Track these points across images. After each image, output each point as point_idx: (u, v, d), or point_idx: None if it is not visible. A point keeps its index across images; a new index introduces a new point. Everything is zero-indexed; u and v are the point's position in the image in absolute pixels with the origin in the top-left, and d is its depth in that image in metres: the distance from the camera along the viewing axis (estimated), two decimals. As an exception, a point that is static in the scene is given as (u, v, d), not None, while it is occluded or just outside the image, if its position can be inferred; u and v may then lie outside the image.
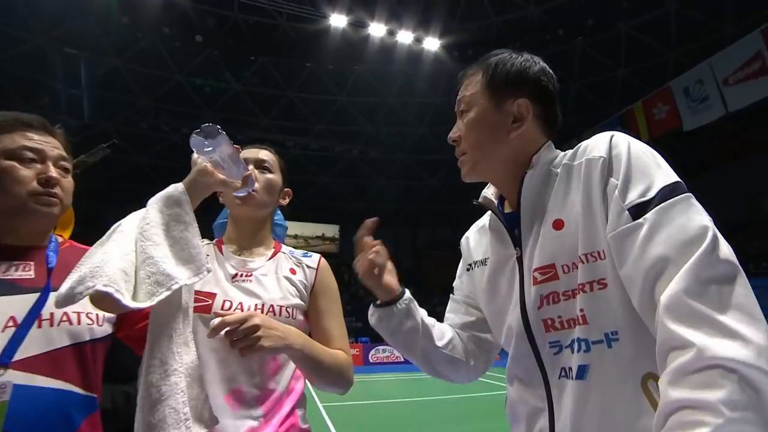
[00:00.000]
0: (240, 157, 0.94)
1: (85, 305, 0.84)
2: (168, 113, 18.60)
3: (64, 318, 0.85)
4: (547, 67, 0.81)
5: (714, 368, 0.45)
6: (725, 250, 0.53)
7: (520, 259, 0.75)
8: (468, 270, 0.91)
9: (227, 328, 0.78)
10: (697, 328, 0.48)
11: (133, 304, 0.72)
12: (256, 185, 1.00)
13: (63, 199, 0.90)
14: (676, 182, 0.60)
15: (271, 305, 0.93)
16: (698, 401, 0.44)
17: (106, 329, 0.93)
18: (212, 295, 0.92)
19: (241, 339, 0.78)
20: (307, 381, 0.99)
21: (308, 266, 1.05)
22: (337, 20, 16.61)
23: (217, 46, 17.64)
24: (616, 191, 0.62)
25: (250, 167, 1.02)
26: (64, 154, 0.94)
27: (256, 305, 0.92)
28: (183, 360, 0.79)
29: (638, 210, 0.59)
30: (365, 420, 5.79)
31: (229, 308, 0.90)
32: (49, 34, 14.06)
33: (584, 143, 0.71)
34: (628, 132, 0.73)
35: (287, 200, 1.13)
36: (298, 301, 0.98)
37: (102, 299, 0.72)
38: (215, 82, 18.46)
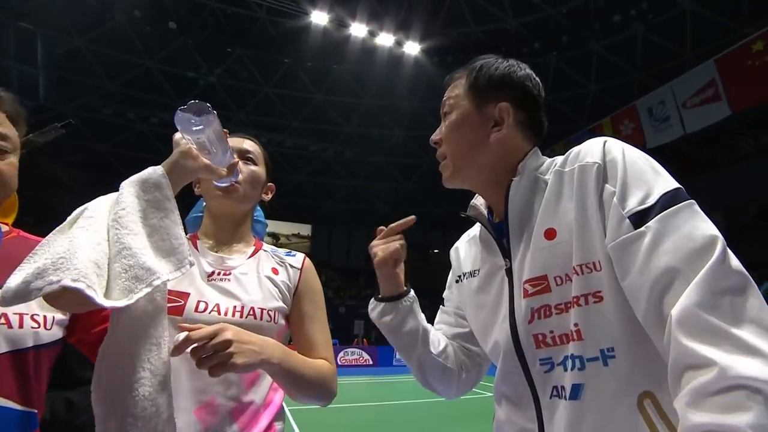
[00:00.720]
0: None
1: (31, 305, 0.76)
2: (135, 101, 17.75)
3: (2, 321, 0.73)
4: (533, 74, 0.79)
5: (738, 389, 0.42)
6: (735, 260, 0.50)
7: (509, 271, 0.72)
8: (457, 282, 0.88)
9: (194, 345, 0.66)
10: (715, 344, 0.45)
11: (107, 303, 0.60)
12: (240, 176, 0.91)
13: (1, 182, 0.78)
14: (677, 188, 0.57)
15: (252, 308, 0.84)
16: (724, 426, 0.41)
17: (55, 333, 0.82)
18: (185, 295, 0.82)
19: (211, 357, 0.66)
20: None
21: (292, 266, 0.96)
22: (319, 17, 16.43)
23: (191, 34, 17.01)
24: (615, 198, 0.58)
25: (234, 156, 0.93)
26: (1, 130, 0.80)
27: (234, 307, 0.83)
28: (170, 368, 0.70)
29: (639, 218, 0.56)
30: (334, 425, 5.67)
31: (204, 310, 0.81)
32: (0, 5, 13.07)
33: (576, 149, 0.68)
34: None
35: (269, 196, 1.04)
36: (280, 303, 0.89)
37: (65, 297, 0.59)
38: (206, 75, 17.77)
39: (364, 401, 7.48)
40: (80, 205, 0.72)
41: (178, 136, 0.80)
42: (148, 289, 0.64)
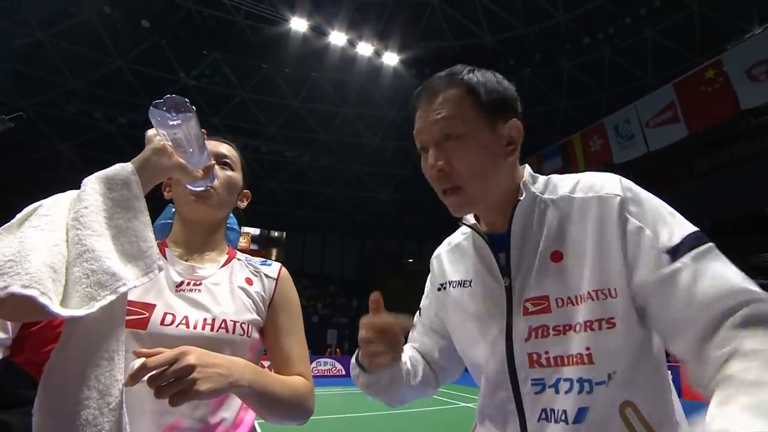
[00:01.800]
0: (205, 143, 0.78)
1: None
2: (103, 100, 17.04)
3: None
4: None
5: None
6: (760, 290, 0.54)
7: (509, 289, 0.71)
8: (440, 290, 0.84)
9: (152, 373, 0.59)
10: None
11: (65, 312, 0.53)
12: (216, 181, 0.85)
13: None
14: (699, 230, 0.61)
15: (224, 320, 0.78)
16: None
17: None
18: (150, 307, 0.75)
19: (171, 384, 0.59)
20: None
21: (267, 276, 0.90)
22: (298, 24, 16.39)
23: (165, 34, 16.58)
24: (647, 232, 0.61)
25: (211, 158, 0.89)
26: None
27: (205, 320, 0.77)
28: (122, 389, 0.61)
29: (672, 253, 0.59)
30: (301, 438, 5.53)
31: (171, 323, 0.75)
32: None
33: (587, 178, 0.70)
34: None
35: (245, 203, 0.99)
36: (254, 316, 0.84)
37: (14, 305, 0.51)
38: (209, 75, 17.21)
39: (337, 413, 7.34)
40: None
41: (151, 132, 0.74)
42: (113, 297, 0.57)
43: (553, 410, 0.63)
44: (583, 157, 12.43)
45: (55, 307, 0.52)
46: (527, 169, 0.76)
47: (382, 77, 18.58)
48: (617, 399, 0.61)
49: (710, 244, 0.59)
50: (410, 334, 0.93)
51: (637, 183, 0.68)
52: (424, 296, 0.94)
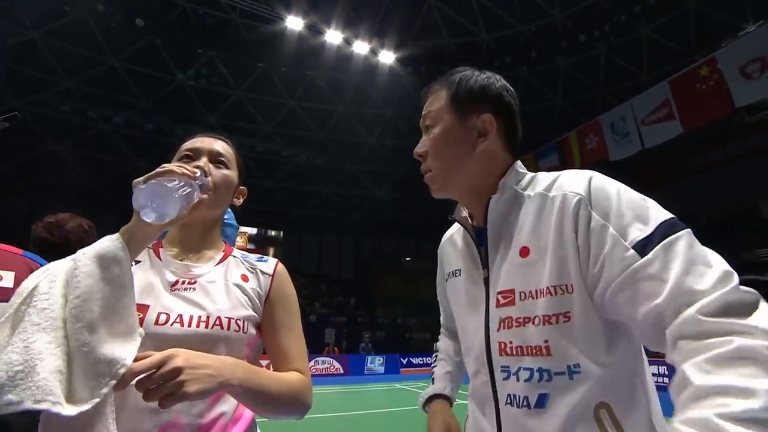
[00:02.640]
0: (192, 174, 0.77)
1: None
2: (97, 99, 16.92)
3: None
4: (509, 86, 0.82)
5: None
6: (738, 280, 0.53)
7: (486, 280, 0.76)
8: (447, 280, 0.91)
9: (139, 377, 0.60)
10: (752, 374, 0.44)
11: (74, 411, 0.56)
12: (210, 183, 0.85)
13: None
14: (673, 218, 0.61)
15: (218, 317, 0.78)
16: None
17: None
18: (144, 308, 0.75)
19: (158, 388, 0.60)
20: None
21: (263, 272, 0.91)
22: (293, 23, 16.33)
23: (160, 33, 16.46)
24: (611, 230, 0.61)
25: (204, 159, 0.87)
26: None
27: (199, 317, 0.77)
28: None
29: (642, 246, 0.58)
30: (300, 437, 5.54)
31: (166, 322, 0.75)
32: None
33: (563, 177, 0.72)
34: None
35: (241, 200, 0.98)
36: (250, 312, 0.84)
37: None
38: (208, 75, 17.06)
39: (335, 411, 7.35)
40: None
41: (134, 204, 0.72)
42: (114, 381, 0.60)
43: (516, 396, 0.68)
44: (579, 154, 12.47)
45: (66, 410, 0.56)
46: (516, 165, 0.79)
47: (378, 76, 18.55)
48: (591, 397, 0.62)
49: (683, 231, 0.58)
50: (443, 317, 1.09)
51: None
52: (437, 285, 1.02)
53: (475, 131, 0.77)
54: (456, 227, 0.91)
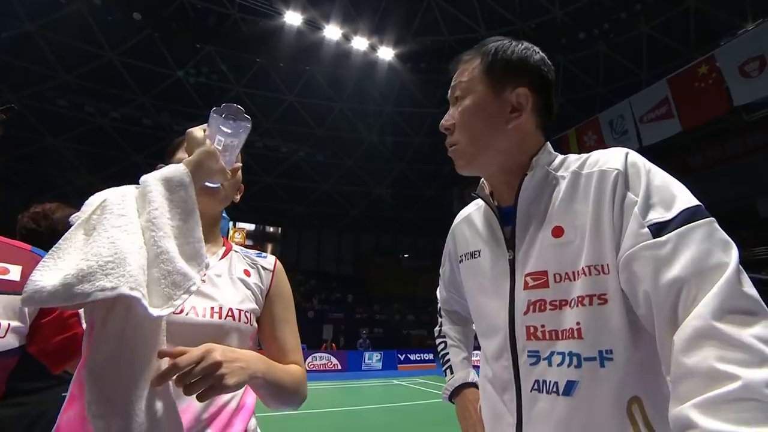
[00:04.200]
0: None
1: None
2: (94, 93, 16.82)
3: None
4: (546, 58, 0.77)
5: (756, 402, 0.42)
6: (749, 285, 0.51)
7: (512, 262, 0.72)
8: (461, 261, 0.87)
9: (181, 372, 0.61)
10: (732, 359, 0.45)
11: (156, 312, 0.58)
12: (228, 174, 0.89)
13: None
14: (698, 205, 0.58)
15: (230, 309, 0.82)
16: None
17: (11, 342, 0.75)
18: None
19: (199, 381, 0.62)
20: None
21: (264, 268, 0.94)
22: (292, 18, 16.25)
23: (158, 27, 16.36)
24: (636, 208, 0.59)
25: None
26: None
27: (212, 308, 0.80)
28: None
29: (659, 228, 0.56)
30: (302, 430, 5.55)
31: (180, 312, 0.77)
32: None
33: (596, 154, 0.70)
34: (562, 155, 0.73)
35: (239, 197, 1.00)
36: (254, 305, 0.87)
37: (120, 303, 0.57)
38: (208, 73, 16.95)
39: (332, 406, 7.38)
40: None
41: (198, 133, 0.77)
42: (187, 296, 0.62)
43: (545, 381, 0.65)
44: (578, 152, 12.45)
45: (151, 309, 0.57)
46: (547, 146, 0.76)
47: (377, 72, 18.49)
48: (624, 391, 0.59)
49: (704, 220, 0.55)
50: (439, 292, 1.04)
51: None
52: (442, 263, 1.00)
53: (509, 105, 0.72)
54: (474, 206, 0.87)
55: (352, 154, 21.86)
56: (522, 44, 0.76)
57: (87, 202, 0.67)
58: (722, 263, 0.51)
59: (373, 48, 17.55)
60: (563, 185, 0.69)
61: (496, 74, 0.73)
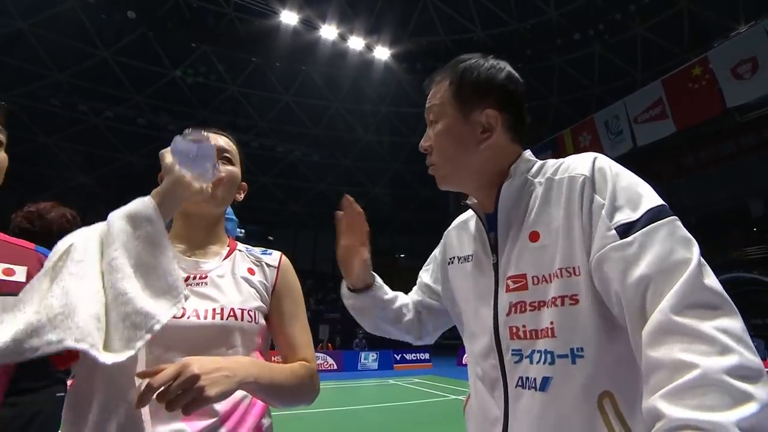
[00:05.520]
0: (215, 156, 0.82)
1: None
2: (88, 92, 16.68)
3: None
4: (514, 72, 0.80)
5: (718, 388, 0.45)
6: (712, 279, 0.53)
7: (496, 266, 0.76)
8: (449, 263, 0.91)
9: (158, 391, 0.61)
10: (693, 349, 0.48)
11: (110, 359, 0.58)
12: (222, 176, 0.88)
13: None
14: (662, 205, 0.61)
15: (231, 309, 0.82)
16: (710, 423, 0.43)
17: None
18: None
19: (180, 397, 0.61)
20: None
21: (268, 265, 0.94)
22: (288, 17, 16.20)
23: (152, 25, 16.25)
24: (603, 211, 0.62)
25: None
26: None
27: (214, 310, 0.80)
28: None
29: (625, 229, 0.59)
30: (299, 430, 5.55)
31: (182, 316, 0.77)
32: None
33: (568, 160, 0.73)
34: (557, 155, 0.73)
35: (242, 195, 1.00)
36: (259, 303, 0.88)
37: (67, 355, 0.58)
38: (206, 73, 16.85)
39: (328, 406, 7.37)
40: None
41: (168, 158, 0.76)
42: (149, 335, 0.62)
43: (527, 378, 0.68)
44: (573, 152, 12.47)
45: (102, 356, 0.58)
46: (525, 154, 0.79)
47: (373, 72, 18.49)
48: (595, 386, 0.62)
49: (670, 218, 0.59)
50: (413, 289, 1.06)
51: None
52: (427, 262, 1.03)
53: (480, 127, 0.76)
54: (469, 213, 0.90)
55: (348, 154, 21.83)
56: (488, 62, 0.79)
57: (55, 248, 0.67)
58: (685, 259, 0.54)
59: (369, 48, 17.54)
60: (539, 191, 0.73)
61: (464, 97, 0.76)
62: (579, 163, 0.70)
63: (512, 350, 0.71)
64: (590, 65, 16.81)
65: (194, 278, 0.84)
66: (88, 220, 1.55)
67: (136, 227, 0.68)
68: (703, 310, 0.50)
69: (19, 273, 0.81)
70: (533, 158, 0.79)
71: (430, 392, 8.91)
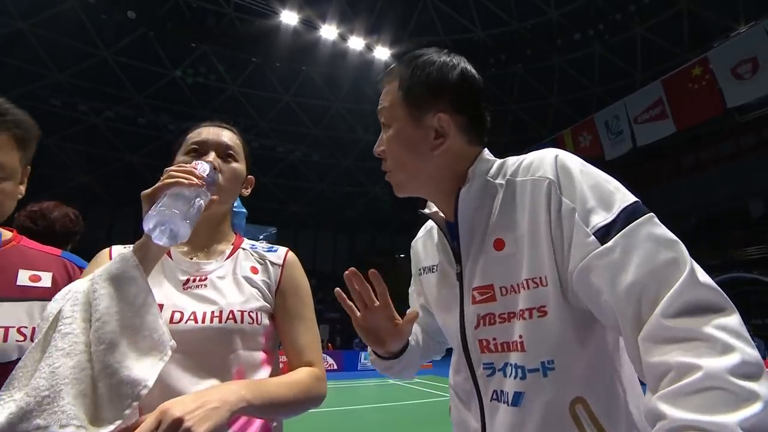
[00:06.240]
0: (202, 183, 0.74)
1: (20, 317, 0.76)
2: (88, 92, 16.67)
3: None
4: (470, 69, 0.73)
5: (721, 389, 0.43)
6: (703, 275, 0.51)
7: (460, 275, 0.72)
8: (420, 274, 0.88)
9: None
10: (694, 350, 0.46)
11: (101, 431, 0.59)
12: (220, 178, 0.83)
13: None
14: (636, 202, 0.57)
15: (231, 311, 0.79)
16: (713, 424, 0.42)
17: None
18: (158, 307, 0.76)
19: None
20: None
21: (272, 262, 0.90)
22: (288, 17, 16.20)
23: (152, 25, 16.25)
24: (576, 216, 0.58)
25: (212, 155, 0.85)
26: None
27: (212, 312, 0.78)
28: None
29: (604, 233, 0.56)
30: (299, 430, 5.55)
31: (180, 320, 0.76)
32: None
33: (528, 159, 0.67)
34: None
35: (249, 190, 0.97)
36: (262, 303, 0.84)
37: None
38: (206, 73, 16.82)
39: (329, 406, 7.37)
40: (18, 204, 0.66)
41: (147, 204, 0.70)
42: (137, 402, 0.62)
43: (502, 392, 0.65)
44: (573, 152, 12.43)
45: (90, 431, 0.59)
46: (483, 154, 0.73)
47: (373, 72, 18.48)
48: (566, 394, 0.60)
49: (646, 215, 0.55)
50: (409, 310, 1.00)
51: (624, 178, 0.65)
52: (411, 282, 0.99)
53: (432, 131, 0.69)
54: (431, 224, 0.86)
55: (349, 154, 21.83)
56: (440, 59, 0.72)
57: (46, 310, 0.66)
58: (673, 260, 0.52)
59: (369, 48, 17.54)
60: (501, 194, 0.68)
61: (415, 101, 0.70)
62: (541, 164, 0.64)
63: (483, 364, 0.68)
64: (590, 65, 16.79)
65: (194, 280, 0.82)
66: (88, 219, 1.55)
67: (119, 289, 0.67)
68: (700, 310, 0.49)
69: (45, 279, 0.81)
70: (492, 157, 0.73)
71: (429, 392, 8.92)
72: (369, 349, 0.86)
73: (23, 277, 0.80)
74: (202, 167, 0.77)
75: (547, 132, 15.01)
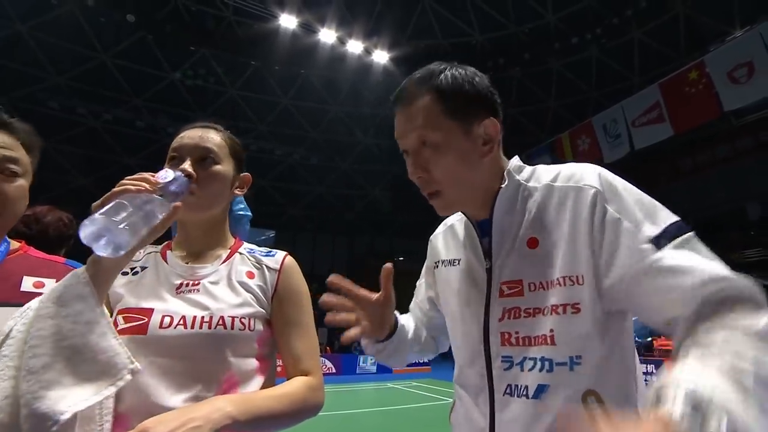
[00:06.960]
0: (153, 188, 0.69)
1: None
2: (87, 95, 16.66)
3: None
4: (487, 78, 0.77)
5: None
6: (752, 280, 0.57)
7: (489, 270, 0.74)
8: (435, 267, 0.89)
9: None
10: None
11: None
12: (192, 185, 0.79)
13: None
14: (680, 220, 0.63)
15: (221, 317, 0.77)
16: None
17: None
18: (148, 312, 0.75)
19: None
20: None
21: (269, 267, 0.88)
22: (287, 21, 16.25)
23: (151, 29, 16.27)
24: (625, 224, 0.62)
25: (187, 162, 0.81)
26: (13, 154, 0.79)
27: (203, 317, 0.76)
28: None
29: (656, 242, 0.61)
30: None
31: (170, 324, 0.74)
32: None
33: (568, 168, 0.72)
34: (556, 159, 0.73)
35: (245, 189, 0.94)
36: (256, 308, 0.82)
37: None
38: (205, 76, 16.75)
39: (327, 410, 7.31)
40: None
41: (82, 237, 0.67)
42: (56, 427, 0.57)
43: (517, 386, 0.68)
44: (571, 155, 12.61)
45: None
46: (514, 159, 0.78)
47: (372, 75, 18.54)
48: (582, 387, 0.63)
49: (690, 233, 0.61)
50: (412, 303, 1.02)
51: (624, 179, 0.70)
52: (421, 275, 1.00)
53: (480, 139, 0.71)
54: (455, 218, 0.88)
55: (347, 157, 21.84)
56: (465, 71, 0.73)
57: (2, 329, 0.64)
58: (716, 267, 0.58)
59: (367, 51, 17.60)
60: (537, 197, 0.72)
61: (459, 112, 0.70)
62: (585, 175, 0.69)
63: (502, 357, 0.70)
64: (588, 69, 16.90)
65: (187, 285, 0.81)
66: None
67: (63, 306, 0.63)
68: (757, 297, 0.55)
69: (49, 285, 0.82)
70: (521, 163, 0.78)
71: (428, 396, 8.88)
72: (363, 342, 0.89)
73: (27, 284, 0.82)
74: (164, 174, 0.73)
75: (546, 135, 15.06)
